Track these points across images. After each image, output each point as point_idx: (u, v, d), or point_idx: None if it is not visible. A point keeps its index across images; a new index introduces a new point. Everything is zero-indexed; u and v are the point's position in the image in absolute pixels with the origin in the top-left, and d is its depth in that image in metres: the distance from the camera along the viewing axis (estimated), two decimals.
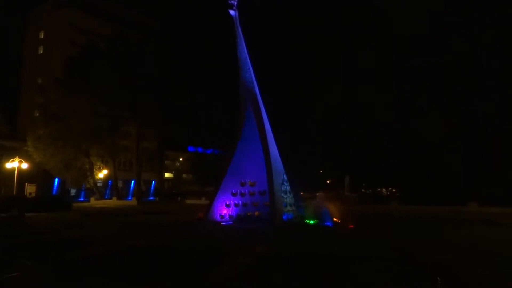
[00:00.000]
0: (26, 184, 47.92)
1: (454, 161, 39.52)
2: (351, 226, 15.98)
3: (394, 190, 66.76)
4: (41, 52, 63.71)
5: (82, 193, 55.01)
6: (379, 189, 71.51)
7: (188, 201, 45.40)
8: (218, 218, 18.02)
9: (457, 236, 13.39)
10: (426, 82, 41.08)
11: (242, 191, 18.68)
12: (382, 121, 48.02)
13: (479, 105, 36.10)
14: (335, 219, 17.50)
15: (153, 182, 65.82)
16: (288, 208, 17.35)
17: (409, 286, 6.38)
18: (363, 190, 69.92)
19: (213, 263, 8.06)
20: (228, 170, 18.59)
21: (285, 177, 18.30)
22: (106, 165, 51.68)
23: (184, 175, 70.22)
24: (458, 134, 38.59)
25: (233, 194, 18.56)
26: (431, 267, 7.72)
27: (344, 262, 8.34)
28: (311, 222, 17.22)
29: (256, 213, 18.29)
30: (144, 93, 46.68)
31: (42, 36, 64.35)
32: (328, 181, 72.49)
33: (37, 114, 52.57)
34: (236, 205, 18.47)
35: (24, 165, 35.44)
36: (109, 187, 57.17)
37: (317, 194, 21.53)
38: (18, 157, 35.35)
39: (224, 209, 18.30)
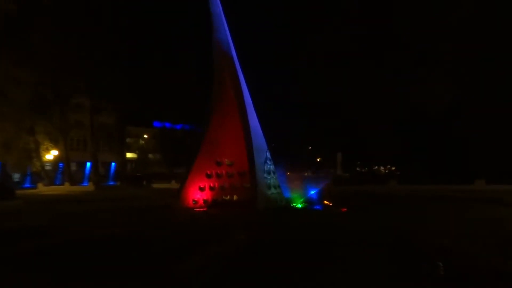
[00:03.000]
0: None
1: (460, 135, 40.64)
2: (344, 209, 16.39)
3: (393, 168, 68.50)
4: None
5: (28, 179, 53.91)
6: (376, 167, 73.24)
7: (156, 185, 45.31)
8: (190, 203, 18.12)
9: (461, 218, 13.93)
10: (430, 44, 41.44)
11: (219, 172, 18.77)
12: (378, 89, 48.52)
13: (489, 72, 36.82)
14: (325, 202, 17.90)
15: (113, 164, 65.08)
16: (272, 190, 17.57)
17: (407, 272, 6.62)
18: (358, 169, 71.51)
19: (183, 254, 8.13)
20: (201, 148, 18.57)
21: (269, 155, 18.43)
22: (55, 145, 50.58)
23: (150, 155, 69.76)
24: (464, 104, 39.50)
25: (208, 176, 18.64)
26: (432, 252, 8.03)
27: (335, 249, 8.56)
28: (299, 205, 17.55)
29: (235, 197, 18.54)
30: (99, 57, 45.32)
31: None
32: (318, 159, 73.62)
33: None
34: (211, 189, 18.57)
35: None
36: (60, 171, 56.21)
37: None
38: None
39: (198, 193, 18.40)
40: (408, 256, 7.78)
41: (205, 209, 17.65)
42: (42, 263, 7.83)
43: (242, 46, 20.79)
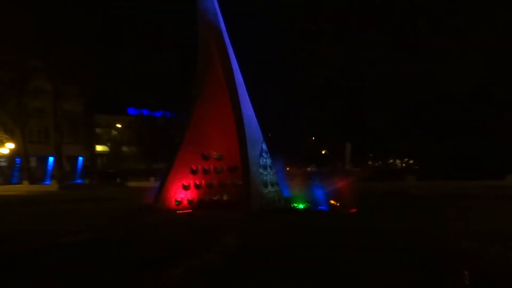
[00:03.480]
0: None
1: (489, 123, 40.80)
2: (354, 210, 16.43)
3: (411, 162, 68.90)
4: None
5: None
6: (391, 161, 73.55)
7: (132, 183, 45.25)
8: (173, 204, 18.10)
9: (491, 219, 14.01)
10: (453, 20, 41.42)
11: (205, 168, 18.74)
12: (394, 68, 48.54)
13: None
14: (332, 201, 17.93)
15: (80, 158, 64.90)
16: (269, 188, 17.56)
17: (426, 283, 6.61)
18: (370, 163, 71.78)
19: (162, 265, 8.08)
20: (184, 139, 18.52)
21: (265, 147, 18.41)
22: (11, 137, 50.21)
23: (125, 148, 69.49)
24: (495, 87, 39.60)
25: (193, 172, 18.60)
26: (456, 258, 8.04)
27: (342, 255, 8.55)
28: (300, 206, 17.58)
29: (225, 196, 18.51)
30: (62, 33, 44.87)
31: None
32: (323, 152, 73.81)
33: None
34: (197, 187, 18.55)
35: None
36: (18, 167, 55.89)
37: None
38: None
39: (181, 193, 18.37)
40: (429, 264, 7.78)
41: (189, 210, 17.62)
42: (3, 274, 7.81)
43: (234, 20, 20.70)
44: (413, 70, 44.76)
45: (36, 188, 43.11)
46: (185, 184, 18.50)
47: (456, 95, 41.80)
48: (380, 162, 72.03)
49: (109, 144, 69.02)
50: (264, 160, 17.98)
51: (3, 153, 51.46)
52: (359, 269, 7.52)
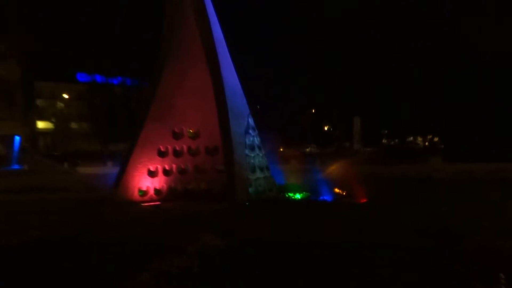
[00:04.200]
0: None
1: None
2: (363, 200, 16.61)
3: (435, 140, 69.30)
4: None
5: None
6: (411, 139, 73.82)
7: (83, 169, 45.02)
8: (136, 195, 18.16)
9: None
10: None
11: (177, 149, 18.77)
12: (411, 27, 48.43)
13: None
14: (337, 190, 18.07)
15: (17, 138, 64.23)
16: (258, 174, 17.63)
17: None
18: (384, 141, 71.96)
19: (127, 269, 8.12)
20: (150, 113, 18.43)
21: (252, 122, 18.43)
22: None
23: (74, 125, 68.89)
24: None
25: (161, 154, 18.61)
26: (491, 259, 8.16)
27: (348, 256, 8.66)
28: (297, 196, 17.70)
29: (203, 184, 18.55)
30: None
31: None
32: (325, 128, 73.82)
33: None
34: (166, 173, 18.58)
35: None
36: None
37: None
38: None
39: (147, 180, 18.41)
40: (457, 266, 7.89)
41: (157, 203, 17.70)
42: None
43: None
44: (441, 24, 44.62)
45: None
46: (152, 169, 18.49)
47: (493, 61, 41.83)
48: (397, 141, 72.09)
49: (53, 120, 68.28)
50: (251, 138, 18.00)
51: None
52: (370, 274, 7.62)
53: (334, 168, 20.00)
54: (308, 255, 8.97)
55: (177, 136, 18.79)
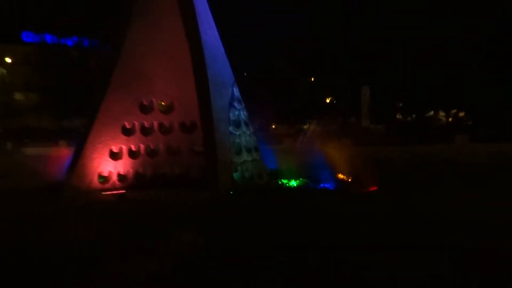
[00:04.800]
0: None
1: None
2: (373, 188, 16.74)
3: (461, 115, 69.41)
4: None
5: None
6: (431, 113, 73.87)
7: (30, 150, 44.89)
8: (95, 182, 18.16)
9: None
10: None
11: (146, 125, 18.71)
12: None
13: None
14: (340, 175, 18.15)
15: None
16: (245, 156, 17.63)
17: None
18: (399, 116, 72.01)
19: (82, 270, 8.15)
20: (112, 81, 18.32)
21: (237, 92, 18.39)
22: None
23: (19, 95, 68.48)
24: None
25: (126, 132, 18.57)
26: None
27: (354, 258, 8.70)
28: (293, 183, 17.78)
29: (177, 169, 18.57)
30: None
31: None
32: (327, 100, 73.83)
33: None
34: (133, 154, 18.59)
35: None
36: None
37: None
38: None
39: (108, 164, 18.41)
40: (484, 273, 7.96)
41: (122, 191, 17.71)
42: None
43: None
44: None
45: None
46: (115, 150, 18.45)
47: None
48: (414, 116, 72.03)
49: None
50: (237, 113, 17.96)
51: None
52: (383, 279, 7.66)
53: (337, 149, 19.96)
54: (306, 258, 8.91)
55: (145, 109, 18.73)
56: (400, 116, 72.99)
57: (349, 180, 17.89)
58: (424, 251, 9.04)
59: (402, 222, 11.71)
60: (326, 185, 17.48)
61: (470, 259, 8.48)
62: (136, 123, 18.66)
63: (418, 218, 12.16)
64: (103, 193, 17.48)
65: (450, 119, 71.37)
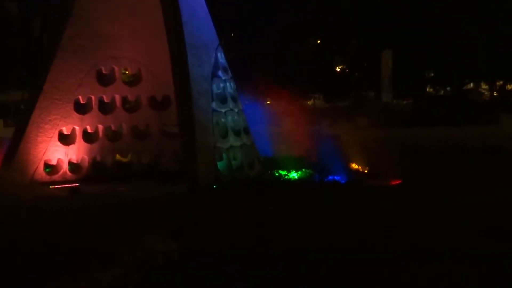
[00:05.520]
0: None
1: None
2: (396, 181, 16.74)
3: (509, 88, 69.28)
4: None
5: None
6: (470, 86, 73.78)
7: None
8: (41, 172, 18.13)
9: None
10: None
11: (105, 100, 18.66)
12: None
13: None
14: (354, 165, 18.18)
15: None
16: (232, 141, 17.65)
17: None
18: (429, 90, 71.79)
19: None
20: (62, 43, 18.25)
21: (222, 59, 18.38)
22: None
23: None
24: None
25: (80, 108, 18.51)
26: None
27: (373, 268, 8.74)
28: (293, 174, 17.79)
29: (145, 156, 18.58)
30: None
31: None
32: (337, 69, 73.71)
33: None
34: (89, 137, 18.56)
35: None
36: None
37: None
38: None
39: (58, 149, 18.36)
40: None
41: (74, 185, 17.69)
42: None
43: None
44: None
45: None
46: (65, 132, 18.40)
47: None
48: (449, 89, 71.81)
49: None
50: (222, 85, 17.95)
51: None
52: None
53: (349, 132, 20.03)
54: (313, 269, 8.97)
55: (105, 80, 18.68)
56: (431, 89, 72.84)
57: (365, 171, 17.92)
58: (466, 262, 9.03)
59: (433, 226, 11.74)
60: (335, 177, 17.49)
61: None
62: (93, 98, 18.60)
63: (453, 222, 12.15)
64: (51, 187, 17.47)
65: (495, 93, 71.33)
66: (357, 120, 35.82)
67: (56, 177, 18.13)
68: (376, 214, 13.03)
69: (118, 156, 18.83)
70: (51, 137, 18.27)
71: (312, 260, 9.43)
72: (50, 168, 18.25)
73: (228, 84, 18.26)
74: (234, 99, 18.32)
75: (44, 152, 18.22)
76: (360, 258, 9.41)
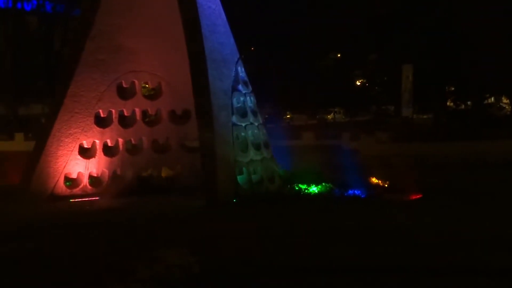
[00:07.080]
0: None
1: None
2: (416, 195, 16.64)
3: None
4: None
5: None
6: (491, 100, 73.56)
7: None
8: (61, 186, 18.12)
9: None
10: None
11: (125, 113, 18.69)
12: None
13: None
14: (374, 179, 18.09)
15: None
16: (252, 155, 17.62)
17: None
18: (450, 104, 71.65)
19: None
20: (83, 56, 18.28)
21: (242, 73, 18.37)
22: None
23: None
24: None
25: (100, 122, 18.53)
26: None
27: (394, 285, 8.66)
28: (313, 189, 17.73)
29: (165, 170, 18.53)
30: None
31: None
32: (357, 83, 73.70)
33: None
34: (109, 151, 18.56)
35: None
36: None
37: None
38: None
39: (78, 163, 18.39)
40: None
41: (94, 198, 17.76)
42: None
43: None
44: None
45: None
46: (86, 146, 18.43)
47: None
48: (470, 103, 71.60)
49: None
50: (242, 99, 17.94)
51: None
52: None
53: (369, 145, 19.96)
54: (334, 285, 8.90)
55: (125, 93, 18.70)
56: (452, 104, 72.68)
57: (386, 185, 17.82)
58: (493, 277, 8.94)
59: (454, 242, 11.64)
60: (356, 191, 17.42)
61: None
62: (113, 111, 18.61)
63: (475, 238, 11.97)
64: (71, 200, 17.47)
65: None
66: (377, 134, 35.84)
67: (76, 190, 18.14)
68: (397, 229, 12.91)
69: (138, 170, 18.78)
70: (72, 151, 18.31)
71: (332, 277, 9.37)
72: (70, 182, 18.25)
73: (248, 98, 18.25)
74: (254, 113, 18.30)
75: (65, 166, 18.26)
76: (381, 274, 9.33)
